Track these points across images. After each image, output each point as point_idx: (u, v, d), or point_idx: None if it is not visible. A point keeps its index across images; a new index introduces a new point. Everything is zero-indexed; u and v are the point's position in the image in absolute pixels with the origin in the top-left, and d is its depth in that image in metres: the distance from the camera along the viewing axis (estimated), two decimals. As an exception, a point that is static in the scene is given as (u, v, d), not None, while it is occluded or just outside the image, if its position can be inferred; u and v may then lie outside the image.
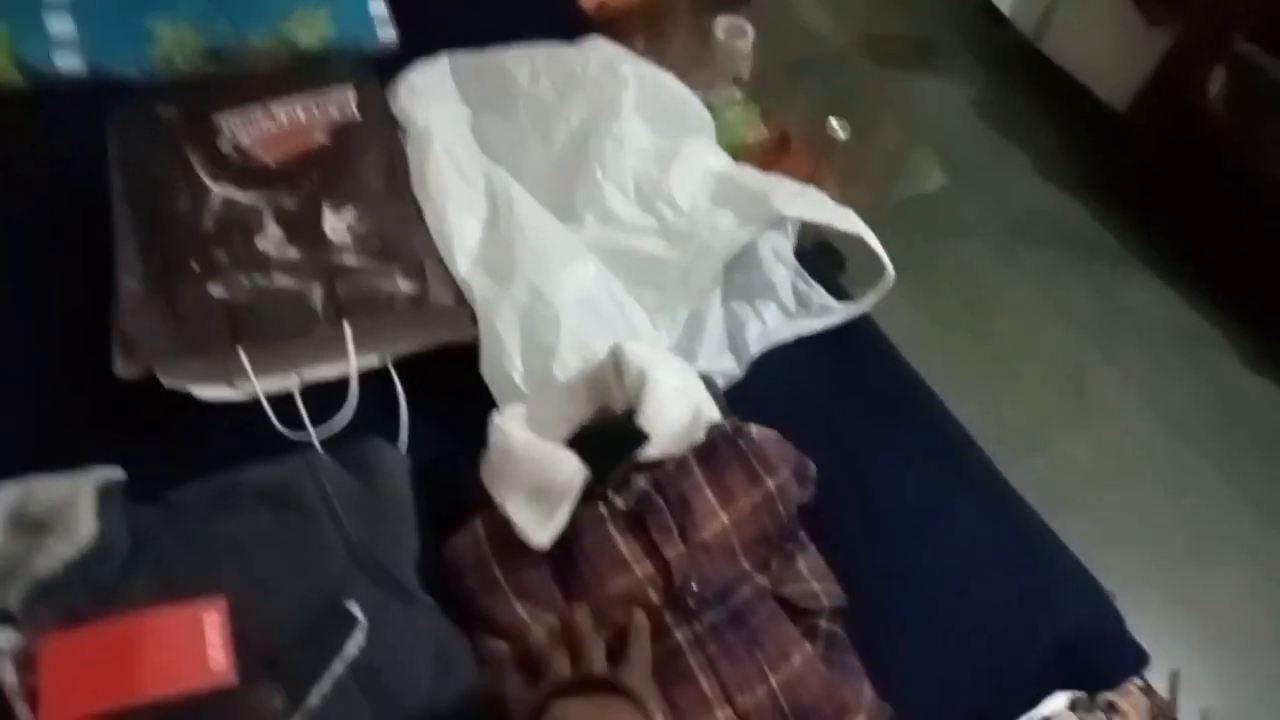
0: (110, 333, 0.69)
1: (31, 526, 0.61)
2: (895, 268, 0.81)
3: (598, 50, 0.89)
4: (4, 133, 0.85)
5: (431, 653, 0.59)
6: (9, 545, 0.59)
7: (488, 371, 0.74)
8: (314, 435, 0.70)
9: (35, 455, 0.62)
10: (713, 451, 0.62)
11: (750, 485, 0.63)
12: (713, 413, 0.66)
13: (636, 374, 0.64)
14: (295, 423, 0.70)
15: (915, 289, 1.06)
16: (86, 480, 0.58)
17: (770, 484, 0.63)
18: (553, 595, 0.59)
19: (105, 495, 0.58)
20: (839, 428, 0.75)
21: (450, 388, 0.74)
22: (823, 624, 0.61)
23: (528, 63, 0.86)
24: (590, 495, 0.61)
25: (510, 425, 0.64)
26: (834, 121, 1.19)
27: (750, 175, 0.84)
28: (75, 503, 0.57)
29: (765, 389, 0.78)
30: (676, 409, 0.64)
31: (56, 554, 0.55)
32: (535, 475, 0.61)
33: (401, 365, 0.75)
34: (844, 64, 1.78)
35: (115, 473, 0.61)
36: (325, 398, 0.72)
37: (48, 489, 0.61)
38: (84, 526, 0.56)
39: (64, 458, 0.62)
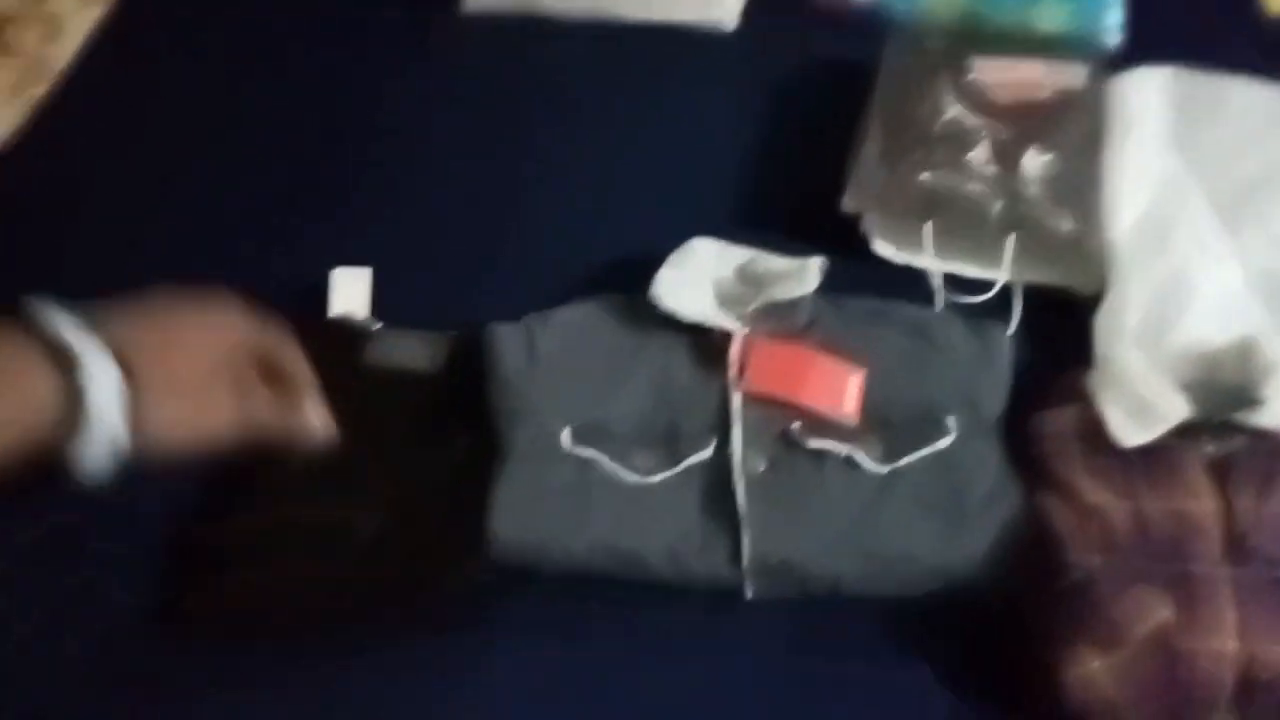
0: (842, 176, 0.94)
1: (749, 279, 0.88)
2: None
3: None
4: (785, 32, 1.15)
5: (993, 475, 0.75)
6: (735, 286, 0.87)
7: (1102, 321, 0.86)
8: (941, 304, 0.89)
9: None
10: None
11: (1335, 495, 0.68)
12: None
13: (1267, 363, 0.72)
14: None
15: None
16: (815, 259, 0.83)
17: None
18: (1115, 479, 0.70)
19: (821, 269, 0.83)
20: None
21: (1054, 322, 0.89)
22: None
23: (1250, 92, 0.95)
24: (1182, 432, 0.71)
25: (1132, 355, 0.76)
26: None
27: None
28: (808, 266, 0.82)
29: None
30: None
31: (789, 291, 0.81)
32: (1141, 397, 0.72)
33: (1025, 291, 0.91)
34: None
35: (823, 261, 0.85)
36: (955, 287, 0.90)
37: (774, 260, 0.87)
38: (810, 283, 0.81)
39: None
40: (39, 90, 1.09)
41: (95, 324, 0.40)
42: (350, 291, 0.88)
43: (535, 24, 1.17)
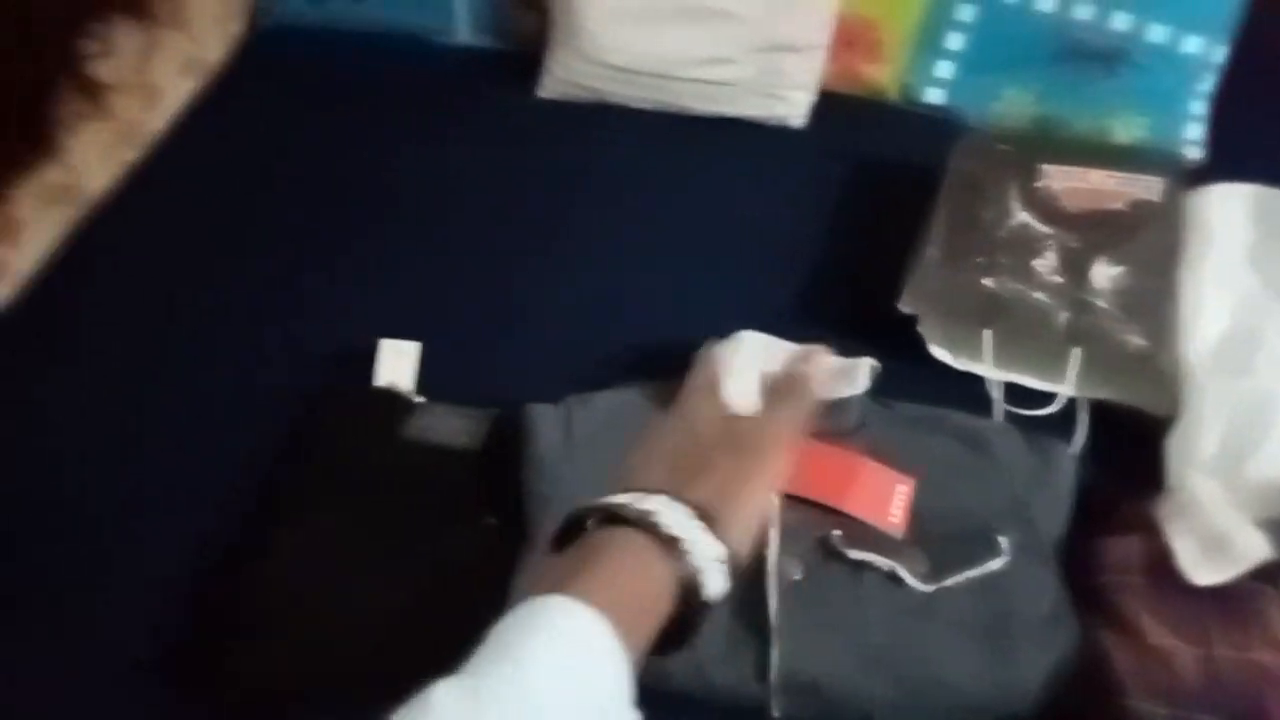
0: (901, 277, 0.91)
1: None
2: None
3: None
4: (853, 131, 1.15)
5: (1049, 604, 0.70)
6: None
7: (1175, 445, 0.81)
8: (999, 414, 0.85)
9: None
10: None
11: None
12: None
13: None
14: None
15: None
16: (867, 360, 0.80)
17: None
18: (1183, 620, 0.65)
19: (872, 371, 0.80)
20: None
21: (1122, 442, 0.84)
22: None
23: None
24: (1261, 574, 0.65)
25: (1207, 485, 0.71)
26: None
27: None
28: (859, 366, 0.79)
29: None
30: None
31: (838, 391, 0.78)
32: (1216, 531, 0.67)
33: (1091, 407, 0.86)
34: None
35: (874, 363, 0.82)
36: (1015, 398, 0.87)
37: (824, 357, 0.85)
38: (860, 384, 0.78)
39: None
40: (132, 155, 1.15)
41: (679, 500, 0.47)
42: (396, 364, 0.88)
43: (605, 111, 1.20)
